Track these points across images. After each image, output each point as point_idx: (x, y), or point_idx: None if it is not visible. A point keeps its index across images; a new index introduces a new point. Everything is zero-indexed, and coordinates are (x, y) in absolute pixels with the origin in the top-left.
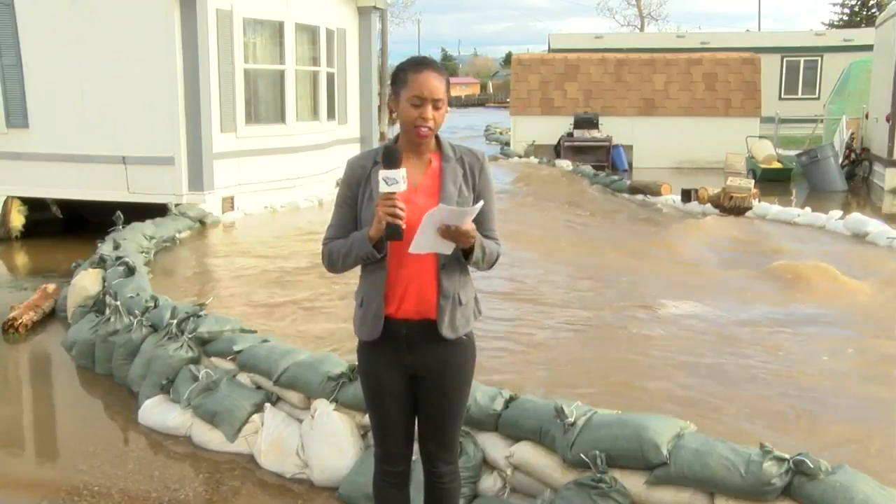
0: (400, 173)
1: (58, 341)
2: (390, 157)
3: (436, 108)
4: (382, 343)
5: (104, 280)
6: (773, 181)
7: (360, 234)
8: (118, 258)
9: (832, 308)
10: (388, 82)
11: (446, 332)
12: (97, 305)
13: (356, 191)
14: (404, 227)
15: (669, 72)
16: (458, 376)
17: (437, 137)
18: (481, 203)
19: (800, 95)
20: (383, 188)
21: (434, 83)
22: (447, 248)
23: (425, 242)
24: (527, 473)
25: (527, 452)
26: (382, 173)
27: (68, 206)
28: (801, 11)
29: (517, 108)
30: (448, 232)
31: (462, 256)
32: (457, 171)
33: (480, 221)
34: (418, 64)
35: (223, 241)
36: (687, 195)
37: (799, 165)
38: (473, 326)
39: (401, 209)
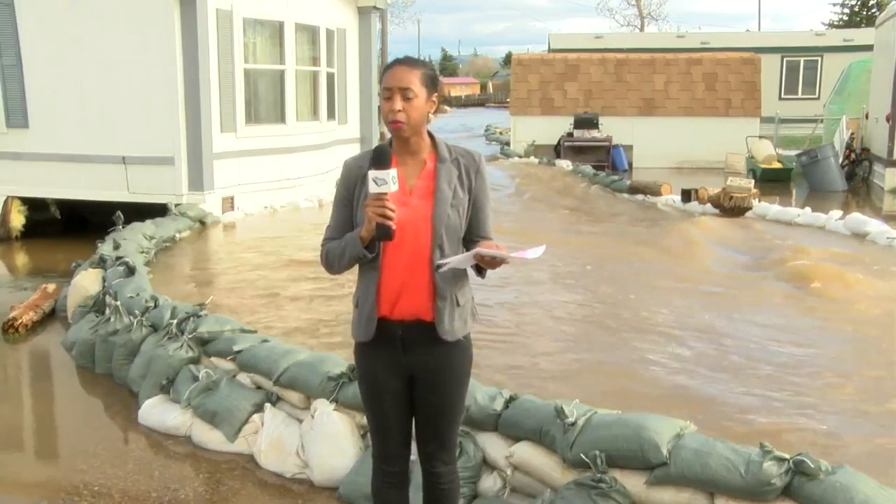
0: (390, 174)
1: (58, 341)
2: (380, 157)
3: (405, 98)
4: (379, 344)
5: (104, 280)
6: (773, 181)
7: (353, 235)
8: (118, 258)
9: (836, 316)
10: None
11: (445, 334)
12: (97, 305)
13: (353, 191)
14: (394, 227)
15: (669, 72)
16: (455, 377)
17: (433, 138)
18: (534, 254)
19: (800, 95)
20: (373, 189)
21: (400, 74)
22: (468, 264)
23: (457, 262)
24: (527, 473)
25: (527, 452)
26: (372, 173)
27: (68, 206)
28: (801, 11)
29: (517, 108)
30: (485, 260)
31: (476, 271)
32: (451, 171)
33: (476, 223)
34: (393, 60)
35: (223, 242)
36: (687, 195)
37: (799, 165)
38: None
39: (391, 209)
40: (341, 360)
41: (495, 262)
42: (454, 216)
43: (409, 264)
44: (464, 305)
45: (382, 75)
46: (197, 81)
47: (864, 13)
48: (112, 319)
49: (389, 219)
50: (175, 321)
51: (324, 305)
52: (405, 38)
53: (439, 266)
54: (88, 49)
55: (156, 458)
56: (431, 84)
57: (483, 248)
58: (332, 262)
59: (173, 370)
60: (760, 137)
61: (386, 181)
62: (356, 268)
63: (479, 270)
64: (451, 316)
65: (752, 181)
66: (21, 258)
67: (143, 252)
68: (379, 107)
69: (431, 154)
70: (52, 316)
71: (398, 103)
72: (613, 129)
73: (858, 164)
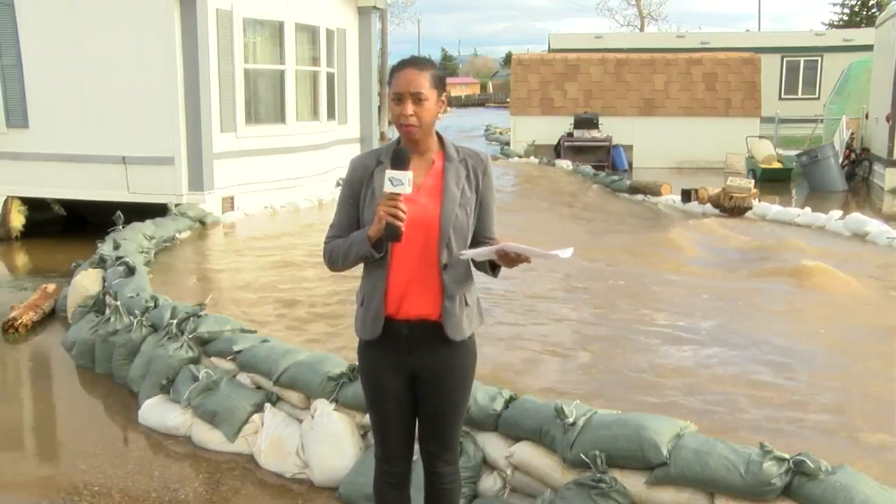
0: (406, 176)
1: (58, 341)
2: (399, 158)
3: (416, 102)
4: (383, 343)
5: (104, 280)
6: (773, 181)
7: (360, 234)
8: (118, 258)
9: (835, 317)
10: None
11: (452, 334)
12: (97, 305)
13: (358, 190)
14: (403, 228)
15: (669, 72)
16: (458, 377)
17: (440, 138)
18: (563, 254)
19: (800, 95)
20: (388, 188)
21: (411, 77)
22: (488, 257)
23: (478, 255)
24: (527, 473)
25: (527, 452)
26: (389, 173)
27: (68, 206)
28: (801, 11)
29: (517, 108)
30: (507, 257)
31: (490, 269)
32: (459, 171)
33: (482, 224)
34: (401, 62)
35: (223, 242)
36: (687, 195)
37: (799, 165)
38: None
39: (402, 211)
40: (341, 360)
41: (519, 259)
42: (462, 216)
43: (417, 263)
44: (471, 305)
45: (391, 77)
46: (197, 81)
47: (864, 13)
48: (112, 319)
49: (400, 220)
50: (175, 321)
51: (324, 305)
52: (405, 38)
53: (459, 255)
54: (88, 49)
55: (156, 458)
56: (440, 84)
57: (508, 244)
58: (337, 260)
59: (173, 370)
60: (760, 137)
61: (402, 182)
62: (360, 265)
63: (494, 268)
64: (459, 315)
65: (752, 181)
66: (21, 258)
67: (143, 252)
68: (379, 106)
69: (439, 153)
70: (52, 316)
71: (409, 108)
72: (613, 129)
73: (858, 164)
